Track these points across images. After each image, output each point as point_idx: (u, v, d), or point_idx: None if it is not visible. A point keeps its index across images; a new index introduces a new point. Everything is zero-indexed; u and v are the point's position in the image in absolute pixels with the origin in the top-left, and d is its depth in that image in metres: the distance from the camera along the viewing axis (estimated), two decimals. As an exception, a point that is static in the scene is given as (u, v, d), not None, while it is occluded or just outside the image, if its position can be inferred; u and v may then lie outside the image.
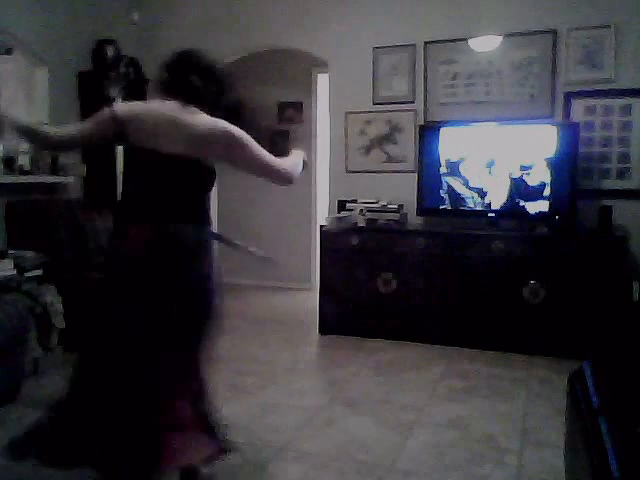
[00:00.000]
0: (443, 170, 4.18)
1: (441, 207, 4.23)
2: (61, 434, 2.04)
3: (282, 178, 2.16)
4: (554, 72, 4.11)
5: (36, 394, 3.15)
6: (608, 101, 3.99)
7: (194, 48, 2.28)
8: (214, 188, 2.15)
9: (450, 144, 4.17)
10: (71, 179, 4.46)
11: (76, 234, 4.06)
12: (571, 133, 3.89)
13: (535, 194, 3.97)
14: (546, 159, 3.92)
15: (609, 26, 3.94)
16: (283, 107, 6.05)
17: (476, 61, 4.30)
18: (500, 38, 4.21)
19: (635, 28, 3.91)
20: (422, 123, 4.42)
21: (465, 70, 4.33)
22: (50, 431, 2.07)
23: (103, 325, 2.05)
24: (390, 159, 4.60)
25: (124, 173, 2.09)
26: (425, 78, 4.43)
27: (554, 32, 4.08)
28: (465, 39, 4.29)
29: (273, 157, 2.13)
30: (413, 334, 4.09)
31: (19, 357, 3.09)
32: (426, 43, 4.41)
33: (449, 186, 4.18)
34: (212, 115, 2.05)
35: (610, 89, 3.98)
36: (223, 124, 2.02)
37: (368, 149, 4.65)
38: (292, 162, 2.23)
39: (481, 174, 4.09)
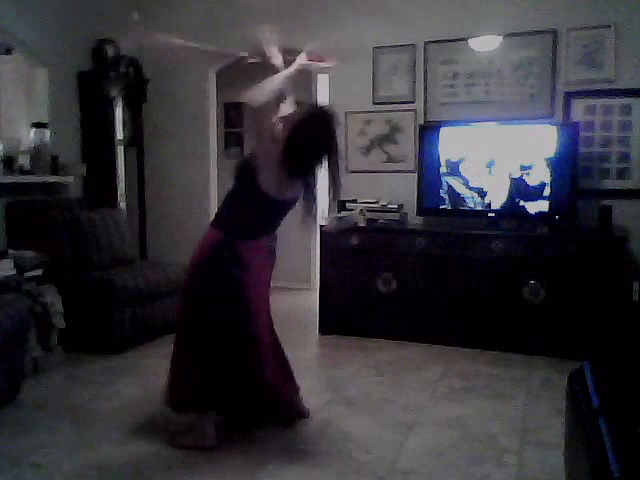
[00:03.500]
0: (443, 170, 4.18)
1: (441, 207, 4.23)
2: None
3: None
4: (554, 72, 4.11)
5: (36, 394, 3.15)
6: (608, 101, 3.99)
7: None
8: (215, 190, 2.39)
9: (450, 144, 4.17)
10: (71, 179, 4.46)
11: (76, 234, 4.06)
12: (571, 133, 3.89)
13: (535, 194, 3.97)
14: (546, 159, 3.92)
15: (609, 26, 3.94)
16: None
17: (476, 61, 4.30)
18: (500, 38, 4.21)
19: (635, 28, 3.91)
20: (422, 123, 4.42)
21: (465, 70, 4.33)
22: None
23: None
24: (390, 159, 4.60)
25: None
26: (425, 78, 4.43)
27: (554, 32, 4.08)
28: (465, 39, 4.29)
29: None
30: (413, 334, 4.09)
31: (19, 357, 3.09)
32: (426, 43, 4.41)
33: (449, 186, 4.18)
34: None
35: (610, 89, 3.98)
36: None
37: (368, 149, 4.65)
38: None
39: (481, 174, 4.09)
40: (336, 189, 2.51)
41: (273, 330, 2.81)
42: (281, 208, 2.58)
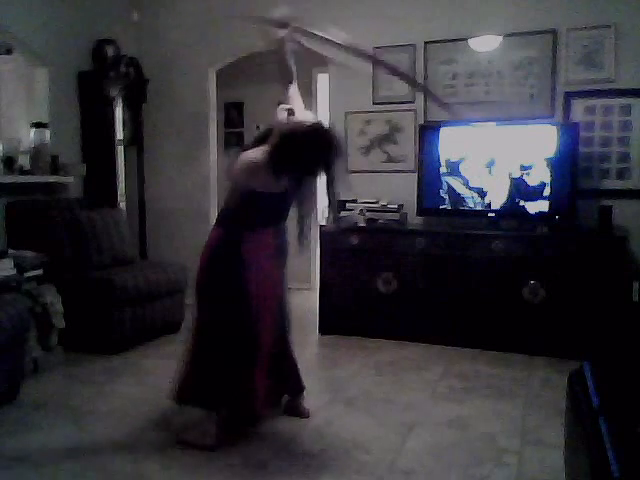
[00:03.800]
0: (443, 170, 4.18)
1: (441, 207, 4.23)
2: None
3: None
4: (554, 72, 4.11)
5: (36, 394, 3.15)
6: (608, 101, 3.99)
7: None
8: (215, 190, 2.45)
9: (450, 144, 4.17)
10: (71, 179, 4.46)
11: (76, 234, 4.06)
12: (571, 133, 3.89)
13: (535, 194, 3.97)
14: (546, 159, 3.92)
15: (609, 26, 3.94)
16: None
17: (476, 61, 4.30)
18: (500, 38, 4.21)
19: (635, 28, 3.91)
20: (422, 123, 4.42)
21: (465, 70, 4.33)
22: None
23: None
24: (390, 159, 4.60)
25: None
26: (425, 78, 4.43)
27: (554, 32, 4.08)
28: (465, 39, 4.29)
29: None
30: (413, 334, 4.09)
31: (19, 357, 3.09)
32: (426, 43, 4.41)
33: (449, 186, 4.18)
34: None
35: (610, 89, 3.98)
36: None
37: (368, 149, 4.65)
38: None
39: (481, 174, 4.09)
40: (332, 205, 2.57)
41: (283, 327, 2.78)
42: (276, 200, 2.55)
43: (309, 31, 2.71)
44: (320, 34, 2.72)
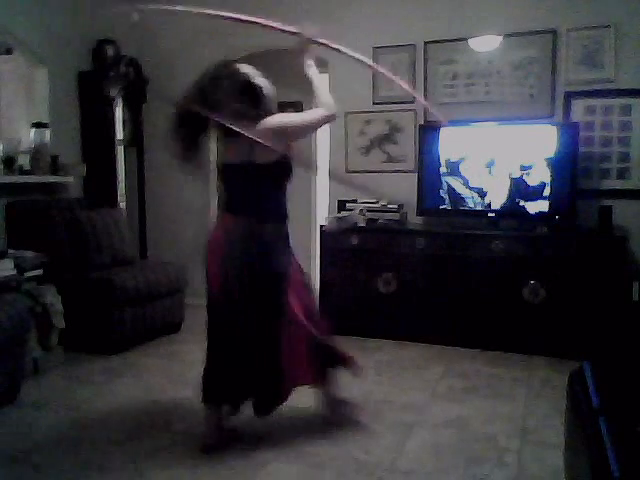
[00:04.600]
0: (443, 170, 4.18)
1: (441, 207, 4.23)
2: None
3: (326, 121, 2.76)
4: (554, 72, 4.11)
5: (36, 394, 3.15)
6: (608, 101, 3.99)
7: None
8: (215, 190, 2.57)
9: (450, 144, 4.17)
10: (71, 179, 4.46)
11: (76, 234, 4.06)
12: (571, 133, 3.89)
13: (535, 194, 3.97)
14: (546, 159, 3.92)
15: (609, 26, 3.94)
16: (283, 107, 6.03)
17: (476, 61, 4.30)
18: (500, 38, 4.21)
19: (635, 28, 3.91)
20: (422, 123, 4.42)
21: (465, 70, 4.33)
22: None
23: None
24: (390, 159, 4.60)
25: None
26: (425, 78, 4.43)
27: (554, 32, 4.08)
28: (465, 39, 4.29)
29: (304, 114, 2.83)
30: (413, 334, 4.09)
31: (19, 357, 3.09)
32: (426, 43, 4.41)
33: (449, 186, 4.18)
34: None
35: (610, 89, 3.98)
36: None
37: (368, 149, 4.65)
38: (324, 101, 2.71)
39: (481, 174, 4.09)
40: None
41: (274, 331, 2.67)
42: (228, 173, 2.67)
43: (320, 42, 2.80)
44: (329, 44, 2.81)
